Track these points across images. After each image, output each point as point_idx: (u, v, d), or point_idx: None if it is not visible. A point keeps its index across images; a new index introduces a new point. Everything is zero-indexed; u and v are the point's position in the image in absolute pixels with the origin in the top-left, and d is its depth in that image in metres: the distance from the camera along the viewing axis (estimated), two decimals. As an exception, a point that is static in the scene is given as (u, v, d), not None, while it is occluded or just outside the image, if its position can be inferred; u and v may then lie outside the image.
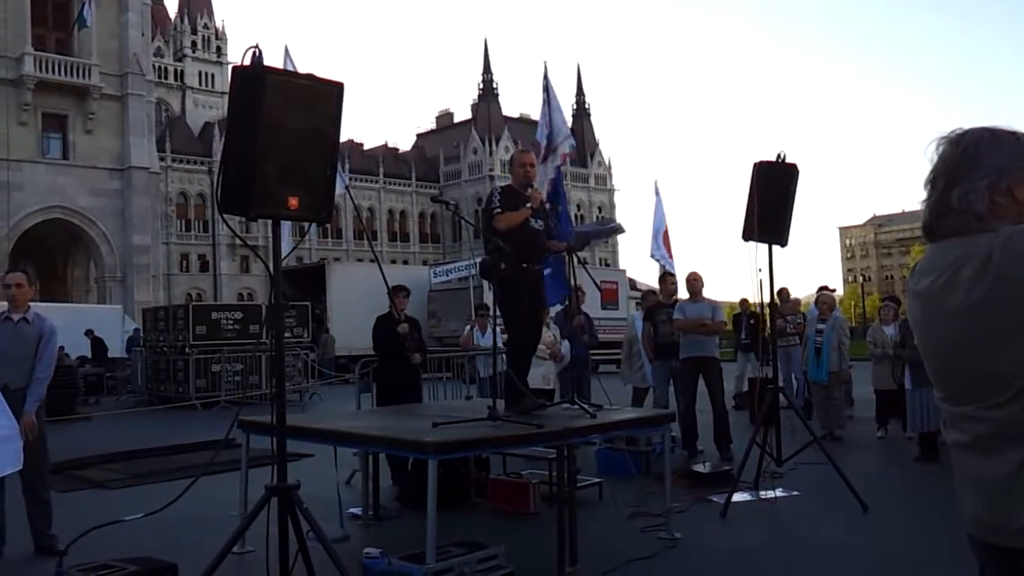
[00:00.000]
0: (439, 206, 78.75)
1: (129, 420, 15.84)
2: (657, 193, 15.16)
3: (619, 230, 8.67)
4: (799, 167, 7.00)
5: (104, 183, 38.68)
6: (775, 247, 6.97)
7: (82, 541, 4.93)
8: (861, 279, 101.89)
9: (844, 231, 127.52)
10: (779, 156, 6.84)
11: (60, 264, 43.02)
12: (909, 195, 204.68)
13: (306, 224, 4.01)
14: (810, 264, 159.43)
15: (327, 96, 3.68)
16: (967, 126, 1.81)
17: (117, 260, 38.98)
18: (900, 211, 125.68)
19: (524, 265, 5.59)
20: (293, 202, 3.58)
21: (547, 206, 6.87)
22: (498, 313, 5.60)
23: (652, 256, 14.42)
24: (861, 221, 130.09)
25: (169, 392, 18.16)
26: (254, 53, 3.48)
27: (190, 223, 67.11)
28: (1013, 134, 1.76)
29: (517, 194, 5.81)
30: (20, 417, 5.26)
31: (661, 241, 14.41)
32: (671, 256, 14.48)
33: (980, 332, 1.67)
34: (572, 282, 6.44)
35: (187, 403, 16.86)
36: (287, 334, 18.73)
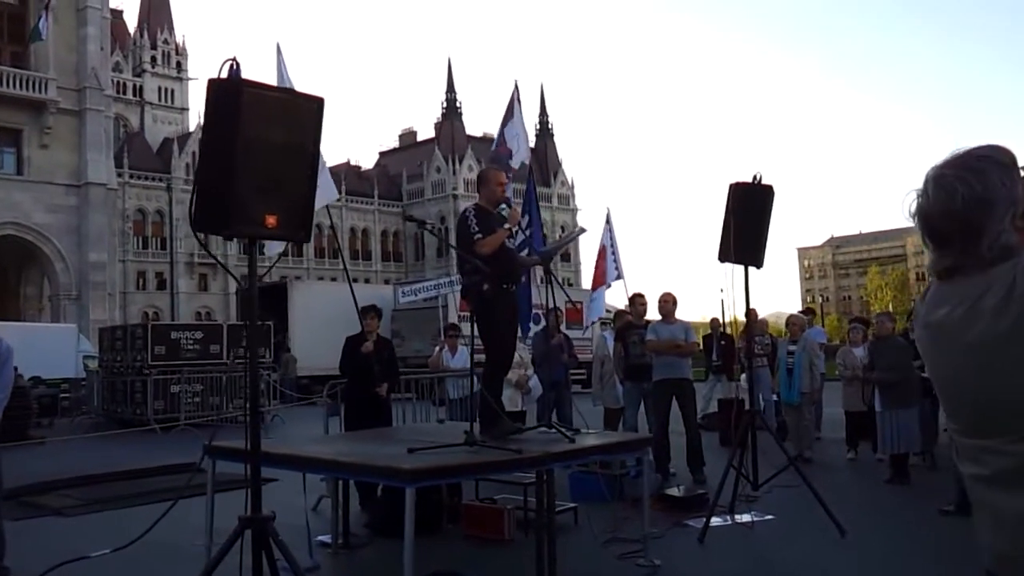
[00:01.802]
0: (402, 225, 78.57)
1: (85, 444, 15.37)
2: (608, 221, 14.52)
3: (581, 232, 8.71)
4: (775, 188, 7.00)
5: (60, 199, 37.82)
6: (751, 268, 6.94)
7: (36, 573, 4.69)
8: (820, 300, 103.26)
9: (803, 252, 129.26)
10: (755, 177, 6.82)
11: (12, 281, 41.96)
12: (866, 217, 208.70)
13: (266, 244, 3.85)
14: (769, 284, 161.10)
15: (307, 111, 3.55)
16: (928, 168, 1.74)
17: (72, 278, 38.09)
18: (857, 232, 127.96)
19: (504, 286, 5.49)
20: (271, 220, 3.43)
21: (521, 225, 6.79)
22: (475, 334, 5.47)
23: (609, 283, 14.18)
24: (819, 242, 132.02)
25: (126, 414, 17.70)
26: (231, 66, 3.34)
27: (147, 240, 66.08)
28: (979, 158, 1.71)
29: (490, 214, 5.71)
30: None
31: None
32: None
33: (1006, 362, 1.61)
34: (552, 301, 6.33)
35: (146, 427, 16.42)
36: (241, 355, 18.44)
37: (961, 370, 1.72)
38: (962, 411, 1.76)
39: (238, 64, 3.38)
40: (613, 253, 13.93)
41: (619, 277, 13.93)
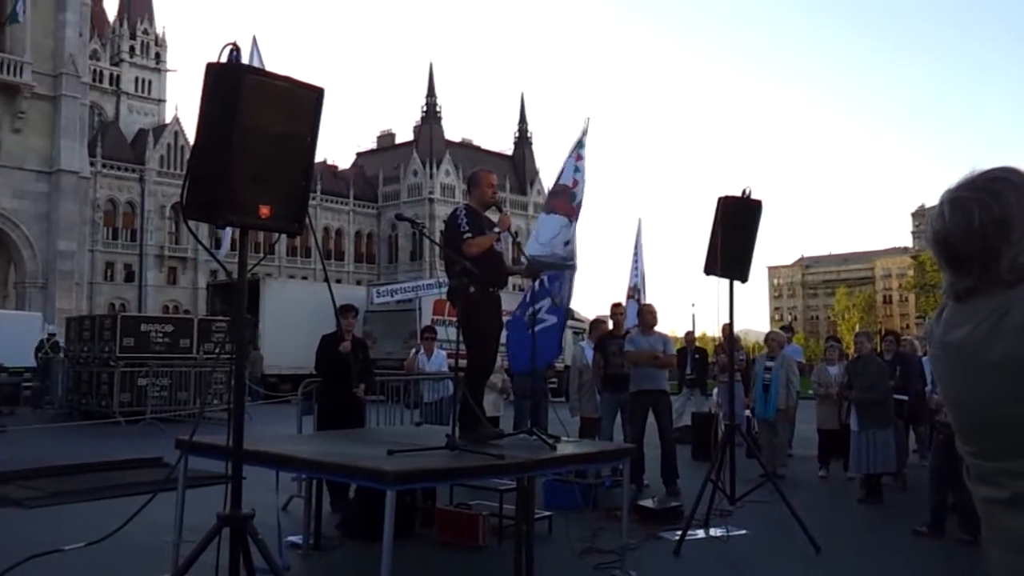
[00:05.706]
0: (376, 226, 78.33)
1: (47, 434, 15.07)
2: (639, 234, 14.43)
3: (573, 268, 8.57)
4: (763, 204, 6.99)
5: (30, 185, 37.25)
6: (735, 283, 6.94)
7: None
8: (789, 318, 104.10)
9: (772, 270, 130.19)
10: (744, 192, 6.82)
11: (-24, 267, 41.24)
12: (836, 238, 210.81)
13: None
14: (738, 301, 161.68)
15: (306, 101, 3.46)
16: (942, 192, 1.72)
17: (39, 266, 37.48)
18: (827, 253, 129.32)
19: (491, 289, 5.43)
20: (264, 211, 3.35)
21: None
22: (459, 337, 5.40)
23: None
24: (789, 261, 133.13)
25: (91, 405, 17.33)
26: (231, 51, 3.26)
27: (117, 231, 65.22)
28: (994, 180, 1.68)
29: (481, 216, 5.66)
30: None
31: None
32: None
33: None
34: (532, 307, 6.27)
35: (111, 420, 16.10)
36: (217, 349, 18.13)
37: (981, 391, 1.69)
38: (979, 433, 1.72)
39: (238, 49, 3.30)
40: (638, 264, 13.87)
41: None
